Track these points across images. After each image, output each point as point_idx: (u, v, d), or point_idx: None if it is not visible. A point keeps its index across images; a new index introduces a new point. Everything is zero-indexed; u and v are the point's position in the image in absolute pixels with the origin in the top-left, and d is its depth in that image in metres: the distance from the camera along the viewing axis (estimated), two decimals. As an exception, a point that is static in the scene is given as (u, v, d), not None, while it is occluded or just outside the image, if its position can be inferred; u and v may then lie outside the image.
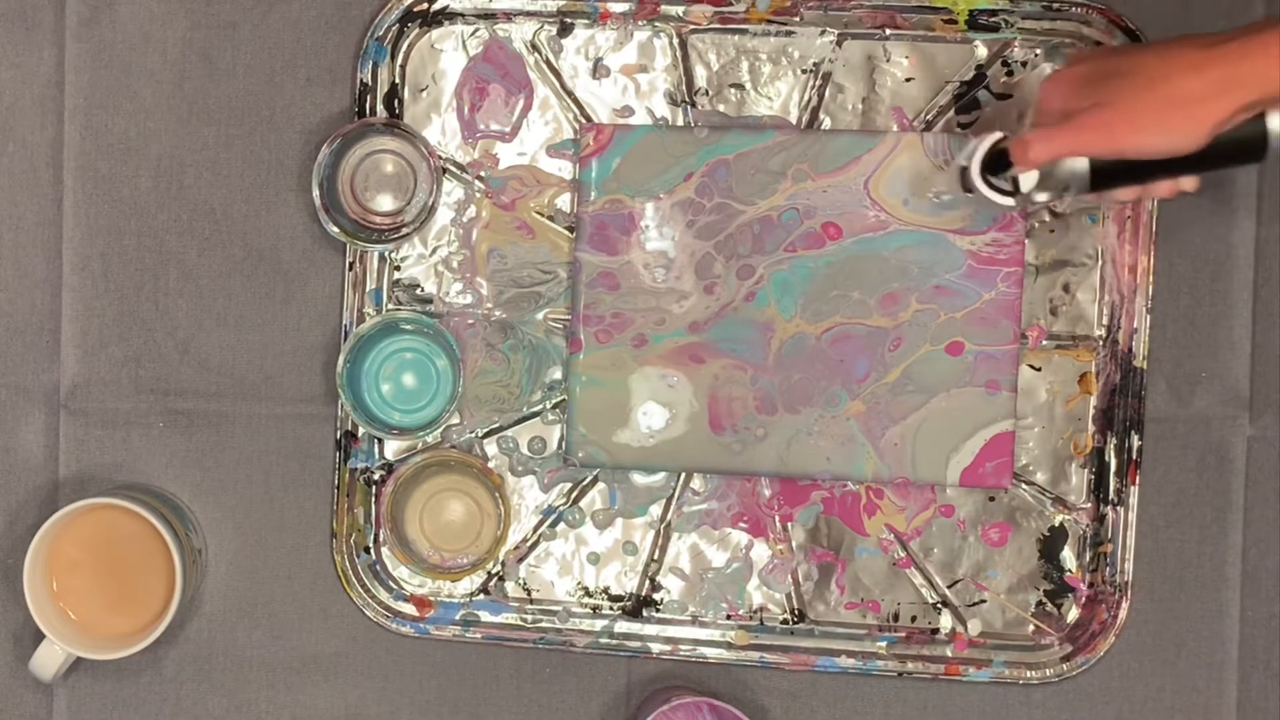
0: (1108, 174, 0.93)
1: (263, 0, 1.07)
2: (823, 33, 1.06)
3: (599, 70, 1.07)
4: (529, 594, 1.07)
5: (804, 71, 1.06)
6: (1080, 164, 0.93)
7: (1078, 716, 1.06)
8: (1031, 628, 1.06)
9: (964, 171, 0.99)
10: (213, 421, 1.08)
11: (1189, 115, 0.87)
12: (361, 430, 1.06)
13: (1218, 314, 1.06)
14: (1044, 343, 1.06)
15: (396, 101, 1.07)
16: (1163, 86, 0.88)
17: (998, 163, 0.97)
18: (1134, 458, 1.05)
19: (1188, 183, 0.94)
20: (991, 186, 0.98)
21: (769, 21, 1.06)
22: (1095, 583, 1.06)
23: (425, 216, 1.05)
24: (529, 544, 1.07)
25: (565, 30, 1.07)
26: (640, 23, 1.06)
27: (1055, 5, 1.04)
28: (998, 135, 0.97)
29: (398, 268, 1.07)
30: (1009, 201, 0.97)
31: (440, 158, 1.06)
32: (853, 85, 1.06)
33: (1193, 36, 0.89)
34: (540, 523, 1.07)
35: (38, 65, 1.07)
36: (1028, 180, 0.95)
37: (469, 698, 1.08)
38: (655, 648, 1.06)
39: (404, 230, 1.05)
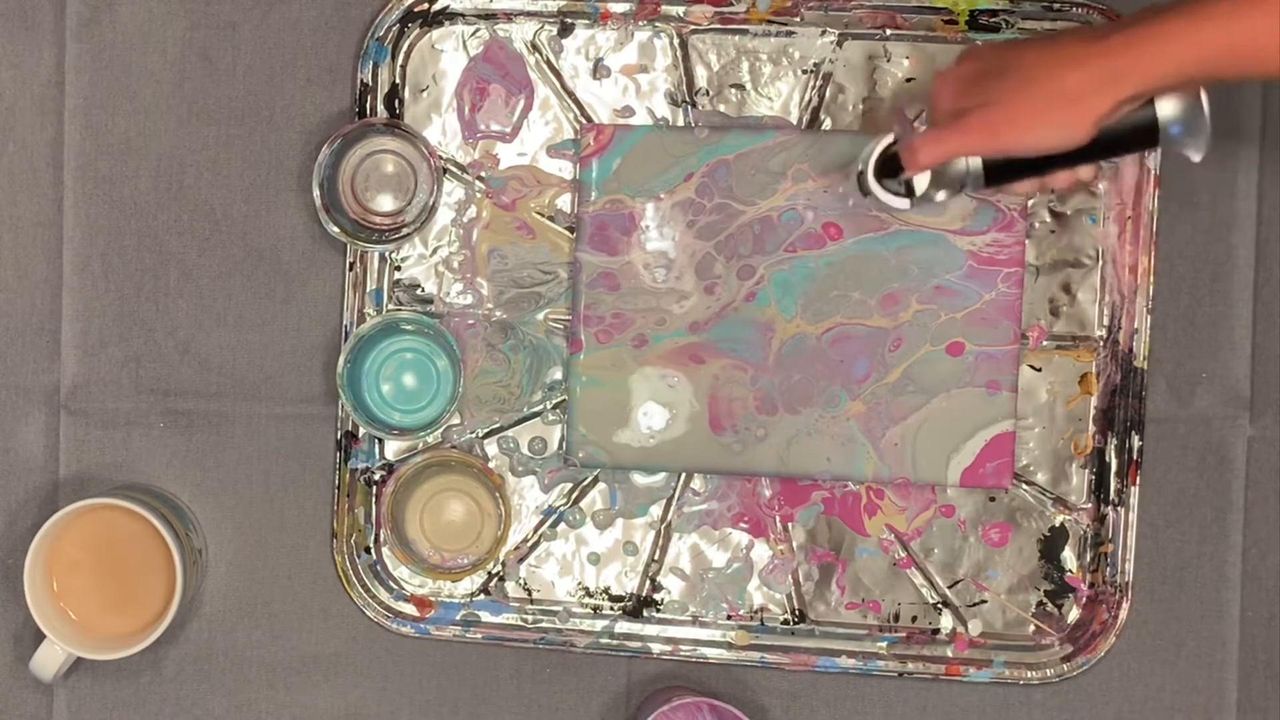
0: (1001, 169, 0.93)
1: (263, 0, 1.07)
2: (823, 33, 1.06)
3: (599, 70, 1.07)
4: (529, 594, 1.07)
5: (804, 72, 1.06)
6: (974, 161, 0.93)
7: (1078, 716, 1.06)
8: (1032, 628, 1.06)
9: (860, 175, 0.99)
10: (213, 422, 1.08)
11: (1070, 112, 0.87)
12: (362, 430, 1.06)
13: (1218, 314, 1.06)
14: (1044, 343, 1.06)
15: (397, 102, 1.07)
16: (1044, 84, 0.87)
17: (893, 165, 0.97)
18: (1134, 458, 1.05)
19: (1085, 172, 0.94)
20: (888, 189, 0.98)
21: (769, 22, 1.06)
22: (1096, 583, 1.06)
23: (426, 217, 1.05)
24: (529, 544, 1.07)
25: (566, 30, 1.07)
26: (641, 23, 1.06)
27: (1055, 5, 1.04)
28: (889, 139, 0.97)
29: (398, 268, 1.07)
30: (904, 204, 0.97)
31: (441, 158, 1.06)
32: (853, 86, 1.06)
33: (1076, 30, 0.89)
34: (541, 523, 1.07)
35: (38, 65, 1.07)
36: (920, 182, 0.96)
37: (469, 698, 1.08)
38: (656, 648, 1.06)
39: (404, 230, 1.05)
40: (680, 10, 1.06)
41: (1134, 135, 0.90)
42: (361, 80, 1.06)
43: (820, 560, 1.07)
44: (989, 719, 1.07)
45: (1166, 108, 0.88)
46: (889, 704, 1.07)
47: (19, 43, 1.07)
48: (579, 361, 1.05)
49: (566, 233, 1.07)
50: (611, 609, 1.07)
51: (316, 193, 1.03)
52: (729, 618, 1.07)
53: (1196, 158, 0.91)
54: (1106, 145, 0.90)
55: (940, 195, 0.96)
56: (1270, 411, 1.06)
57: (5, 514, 1.08)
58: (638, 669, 1.07)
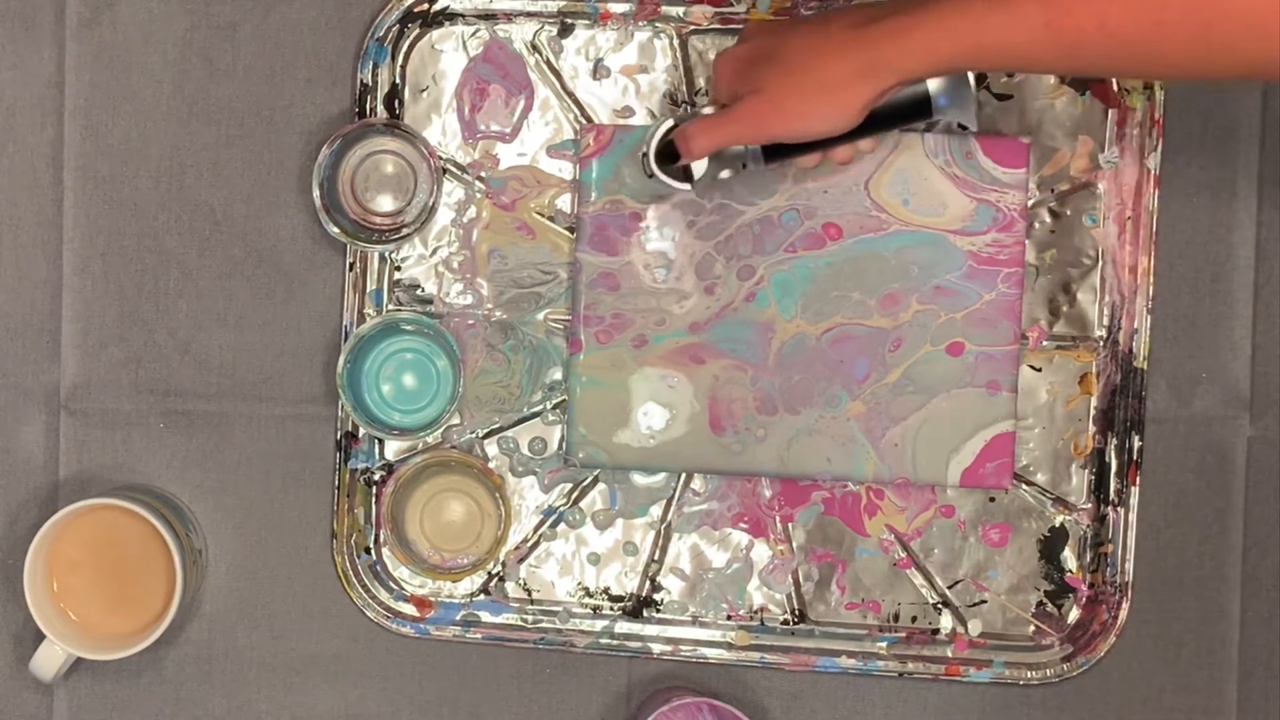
0: (781, 147, 0.94)
1: (263, 0, 1.07)
2: (823, 33, 1.06)
3: (599, 71, 1.07)
4: (529, 594, 1.07)
5: (804, 72, 1.06)
6: None
7: (1078, 717, 1.06)
8: (1032, 628, 1.06)
9: (644, 158, 0.99)
10: (213, 422, 1.08)
11: (834, 100, 0.88)
12: (362, 431, 1.06)
13: (1218, 314, 1.06)
14: (1044, 343, 1.06)
15: (397, 102, 1.07)
16: (809, 73, 0.88)
17: (675, 149, 0.97)
18: (1134, 458, 1.05)
19: (864, 144, 0.94)
20: (669, 173, 0.98)
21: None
22: (1096, 583, 1.06)
23: (426, 217, 1.05)
24: (529, 544, 1.07)
25: (566, 31, 1.07)
26: (641, 23, 1.06)
27: (1055, 6, 1.04)
28: (669, 124, 0.97)
29: (398, 268, 1.07)
30: (685, 187, 0.98)
31: (441, 158, 1.06)
32: (853, 86, 1.06)
33: (846, 11, 0.90)
34: (541, 523, 1.07)
35: (38, 65, 1.07)
36: (699, 168, 0.96)
37: (469, 698, 1.08)
38: (656, 648, 1.06)
39: (404, 231, 1.05)
40: (680, 10, 1.06)
41: (907, 109, 0.91)
42: (361, 80, 1.06)
43: (820, 560, 1.07)
44: (989, 719, 1.07)
45: (934, 83, 0.90)
46: (889, 704, 1.07)
47: (19, 43, 1.07)
48: (579, 362, 1.05)
49: (566, 233, 1.07)
50: (611, 609, 1.07)
51: (316, 193, 1.03)
52: (729, 618, 1.07)
53: (972, 127, 0.93)
54: (881, 120, 0.91)
55: (724, 174, 0.97)
56: (1270, 411, 1.06)
57: (5, 514, 1.08)
58: (638, 669, 1.07)
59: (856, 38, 0.87)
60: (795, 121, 0.90)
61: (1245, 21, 0.75)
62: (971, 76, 0.90)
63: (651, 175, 0.99)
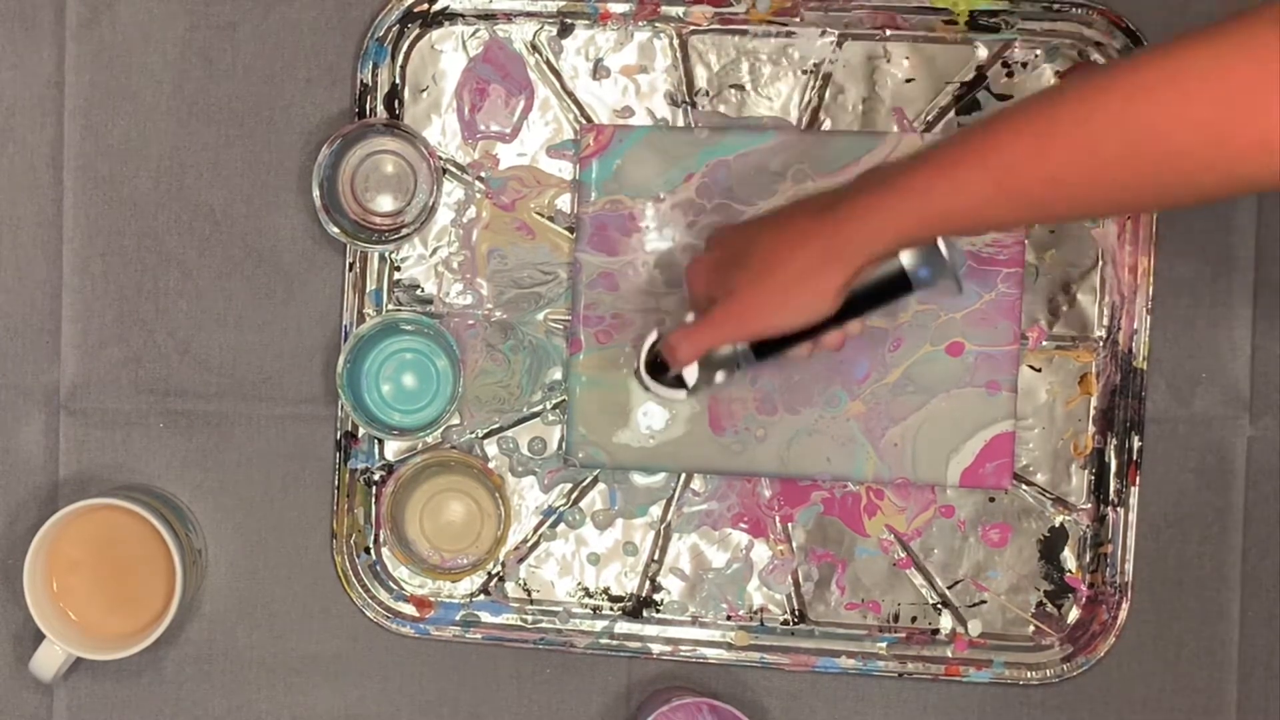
0: (769, 344, 0.93)
1: (262, 0, 1.07)
2: (823, 33, 1.06)
3: (599, 71, 1.07)
4: (529, 594, 1.07)
5: (804, 72, 1.06)
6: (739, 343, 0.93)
7: (1078, 717, 1.06)
8: (1032, 628, 1.06)
9: (636, 373, 0.99)
10: (213, 422, 1.08)
11: (806, 290, 0.88)
12: (362, 431, 1.06)
13: (1218, 314, 1.06)
14: (1044, 343, 1.06)
15: (397, 102, 1.07)
16: (777, 269, 0.88)
17: (664, 360, 0.96)
18: (1134, 458, 1.05)
19: (852, 327, 0.93)
20: (664, 383, 0.97)
21: (769, 22, 1.06)
22: (1095, 583, 1.06)
23: (425, 217, 1.05)
24: (529, 544, 1.07)
25: (565, 31, 1.07)
26: (640, 23, 1.06)
27: (1055, 6, 1.04)
28: (654, 336, 0.97)
29: (398, 268, 1.07)
30: (681, 394, 0.97)
31: (440, 158, 1.06)
32: (853, 86, 1.06)
33: (806, 202, 0.90)
34: (540, 523, 1.07)
35: (38, 65, 1.07)
36: (690, 374, 0.95)
37: (469, 698, 1.08)
38: (655, 648, 1.06)
39: (404, 231, 1.05)
40: (680, 11, 1.06)
41: (886, 287, 0.89)
42: (361, 80, 1.06)
43: (820, 561, 1.07)
44: (989, 719, 1.07)
45: (907, 257, 0.88)
46: (889, 704, 1.07)
47: (19, 43, 1.07)
48: (579, 362, 1.05)
49: (566, 233, 1.07)
50: (611, 609, 1.07)
51: (316, 193, 1.04)
52: (729, 618, 1.07)
53: (958, 293, 0.92)
54: (863, 301, 0.90)
55: (719, 377, 0.96)
56: (1270, 411, 1.06)
57: (5, 514, 1.08)
58: (638, 669, 1.08)
59: (816, 226, 0.87)
60: (771, 316, 0.90)
61: (1174, 146, 0.74)
62: (943, 245, 0.88)
63: (646, 389, 0.98)
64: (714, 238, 0.97)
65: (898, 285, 0.89)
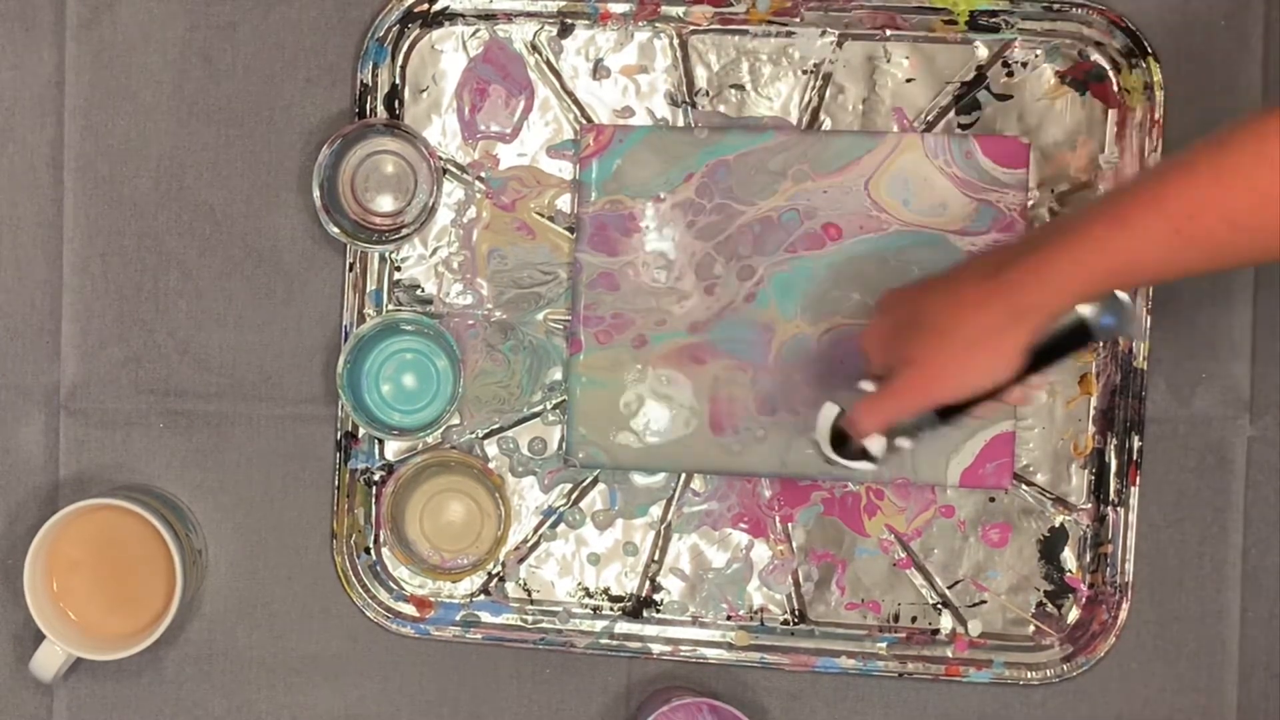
0: (952, 408, 0.92)
1: (263, 0, 1.07)
2: (823, 33, 1.06)
3: (599, 71, 1.07)
4: (529, 595, 1.07)
5: (804, 72, 1.06)
6: None
7: (1078, 717, 1.06)
8: (1032, 628, 1.06)
9: (817, 446, 0.98)
10: (213, 422, 1.08)
11: (989, 353, 0.87)
12: (362, 431, 1.06)
13: (1218, 314, 1.06)
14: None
15: (397, 102, 1.07)
16: (955, 333, 0.87)
17: (845, 433, 0.96)
18: (1134, 458, 1.05)
19: (1035, 381, 0.92)
20: (849, 455, 0.97)
21: (769, 22, 1.06)
22: (1095, 583, 1.06)
23: (425, 217, 1.05)
24: (529, 545, 1.07)
25: (565, 31, 1.07)
26: (640, 23, 1.06)
27: (1055, 5, 1.04)
28: (835, 409, 0.97)
29: (398, 268, 1.07)
30: (870, 467, 0.97)
31: (440, 158, 1.06)
32: (853, 86, 1.06)
33: (978, 262, 0.89)
34: (540, 523, 1.07)
35: (38, 65, 1.07)
36: (875, 445, 0.95)
37: (469, 698, 1.08)
38: (656, 648, 1.06)
39: (404, 231, 1.05)
40: (680, 10, 1.06)
41: (1068, 341, 0.89)
42: (361, 81, 1.06)
43: (820, 561, 1.07)
44: (989, 719, 1.07)
45: (1086, 307, 0.88)
46: (889, 704, 1.07)
47: (19, 43, 1.07)
48: (579, 362, 1.05)
49: (566, 233, 1.07)
50: (611, 609, 1.07)
51: (316, 193, 1.04)
52: (729, 618, 1.07)
53: (1138, 337, 0.92)
54: (1044, 358, 0.89)
55: (906, 444, 0.95)
56: (1270, 411, 1.06)
57: (5, 514, 1.08)
58: (638, 669, 1.08)
59: (992, 289, 0.86)
60: (955, 382, 0.89)
61: None
62: (1121, 292, 0.88)
63: (832, 464, 0.98)
64: (885, 301, 0.96)
65: (1078, 337, 0.89)
